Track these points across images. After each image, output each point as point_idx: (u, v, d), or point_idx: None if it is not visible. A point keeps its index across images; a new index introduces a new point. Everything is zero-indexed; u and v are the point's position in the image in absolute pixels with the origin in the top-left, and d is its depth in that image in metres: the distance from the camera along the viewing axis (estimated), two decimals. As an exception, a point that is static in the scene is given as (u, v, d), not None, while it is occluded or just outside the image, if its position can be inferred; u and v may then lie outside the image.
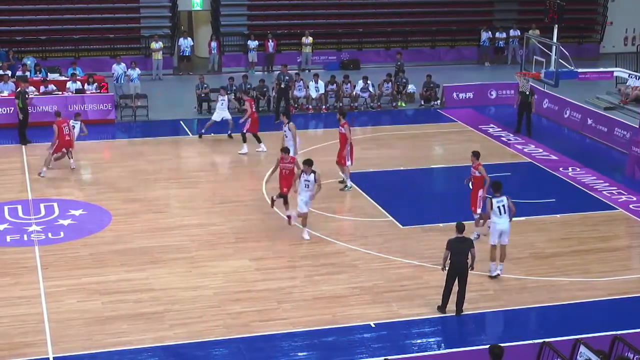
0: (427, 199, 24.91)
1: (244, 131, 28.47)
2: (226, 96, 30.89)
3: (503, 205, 19.03)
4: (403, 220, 22.77)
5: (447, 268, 17.58)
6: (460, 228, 17.69)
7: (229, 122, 29.99)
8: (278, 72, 35.20)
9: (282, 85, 33.09)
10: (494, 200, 19.06)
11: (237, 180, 26.08)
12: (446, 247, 17.57)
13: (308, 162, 21.38)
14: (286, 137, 25.37)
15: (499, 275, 19.25)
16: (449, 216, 21.82)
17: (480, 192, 21.33)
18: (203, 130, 30.30)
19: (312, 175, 21.23)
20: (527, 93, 30.58)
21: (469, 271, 17.61)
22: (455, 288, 17.62)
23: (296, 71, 37.79)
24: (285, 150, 22.80)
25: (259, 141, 28.63)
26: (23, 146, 28.94)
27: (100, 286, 18.75)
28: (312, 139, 30.12)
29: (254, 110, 29.10)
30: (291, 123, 25.74)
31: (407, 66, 37.86)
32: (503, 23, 44.81)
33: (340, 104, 34.54)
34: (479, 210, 21.46)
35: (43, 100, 31.58)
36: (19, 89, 29.98)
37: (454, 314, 17.65)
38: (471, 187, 21.82)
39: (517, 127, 31.24)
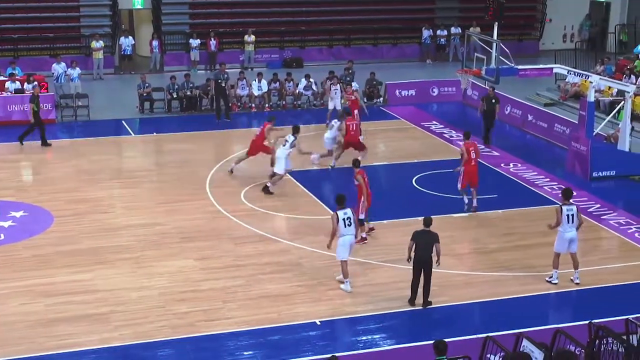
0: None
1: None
2: (339, 85, 32.30)
3: (572, 215, 18.60)
4: (347, 218, 22.81)
5: (411, 259, 17.75)
6: (426, 222, 17.85)
7: (337, 111, 30.45)
8: (216, 71, 35.02)
9: (223, 84, 32.89)
10: (564, 208, 18.64)
11: (180, 179, 25.92)
12: (411, 238, 17.76)
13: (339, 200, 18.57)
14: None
15: (578, 283, 19.05)
16: (392, 213, 22.00)
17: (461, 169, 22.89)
18: (327, 121, 30.14)
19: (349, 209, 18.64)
20: (493, 101, 29.84)
21: (436, 266, 17.72)
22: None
23: (240, 70, 37.69)
24: (355, 163, 21.57)
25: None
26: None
27: (44, 288, 18.53)
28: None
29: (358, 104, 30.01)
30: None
31: (350, 64, 37.98)
32: (444, 21, 45.21)
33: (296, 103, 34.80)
34: (459, 185, 22.91)
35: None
36: (33, 93, 29.81)
37: (420, 307, 17.87)
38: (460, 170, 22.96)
39: (485, 138, 29.86)
